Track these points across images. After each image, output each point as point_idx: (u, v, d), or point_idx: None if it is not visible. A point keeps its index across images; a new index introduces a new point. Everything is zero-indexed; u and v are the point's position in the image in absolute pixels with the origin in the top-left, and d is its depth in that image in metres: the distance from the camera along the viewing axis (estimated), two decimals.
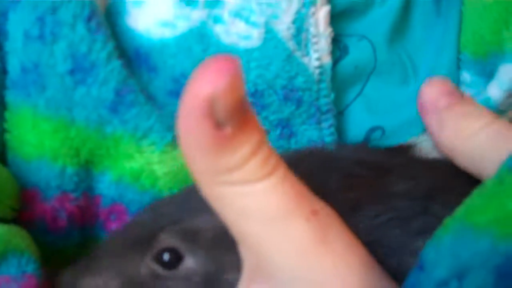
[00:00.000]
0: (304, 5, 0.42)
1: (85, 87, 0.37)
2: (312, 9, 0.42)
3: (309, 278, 0.25)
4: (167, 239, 0.31)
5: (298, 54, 0.41)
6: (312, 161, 0.33)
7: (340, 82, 0.44)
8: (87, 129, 0.38)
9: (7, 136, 0.38)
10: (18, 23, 0.37)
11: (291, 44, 0.41)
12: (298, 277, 0.26)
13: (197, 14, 0.40)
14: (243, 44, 0.40)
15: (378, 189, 0.30)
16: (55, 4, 0.37)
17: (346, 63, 0.44)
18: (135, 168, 0.39)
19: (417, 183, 0.30)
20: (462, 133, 0.30)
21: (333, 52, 0.43)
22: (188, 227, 0.31)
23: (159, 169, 0.39)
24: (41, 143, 0.37)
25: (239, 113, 0.23)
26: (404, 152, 0.34)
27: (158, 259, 0.31)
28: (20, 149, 0.37)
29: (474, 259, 0.23)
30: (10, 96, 0.37)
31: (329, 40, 0.43)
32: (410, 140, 0.35)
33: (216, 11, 0.40)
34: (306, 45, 0.42)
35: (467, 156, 0.30)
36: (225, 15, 0.40)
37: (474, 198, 0.25)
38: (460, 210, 0.26)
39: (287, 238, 0.25)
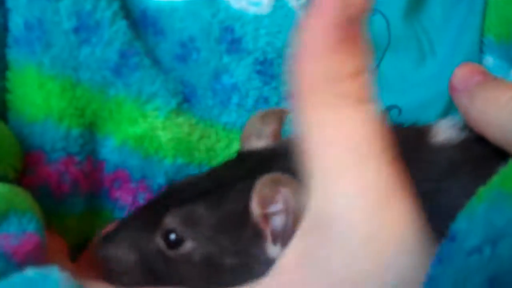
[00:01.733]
0: None
1: (90, 47, 0.36)
2: None
3: (365, 230, 0.25)
4: (170, 222, 0.32)
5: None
6: None
7: None
8: (91, 89, 0.37)
9: (9, 96, 0.37)
10: None
11: (301, 14, 0.40)
12: (354, 228, 0.25)
13: None
14: (252, 10, 0.39)
15: None
16: None
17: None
18: (138, 133, 0.38)
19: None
20: (492, 104, 0.30)
21: None
22: (190, 211, 0.32)
23: (163, 135, 0.38)
24: (47, 103, 0.36)
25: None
26: (420, 135, 0.33)
27: (164, 238, 0.32)
28: (24, 109, 0.36)
29: (509, 224, 0.23)
30: (13, 54, 0.36)
31: None
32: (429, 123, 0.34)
33: None
34: None
35: (497, 128, 0.30)
36: None
37: (510, 167, 0.25)
38: (495, 180, 0.25)
39: (363, 179, 0.25)
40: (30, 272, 0.25)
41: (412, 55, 0.44)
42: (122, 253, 0.33)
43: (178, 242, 0.32)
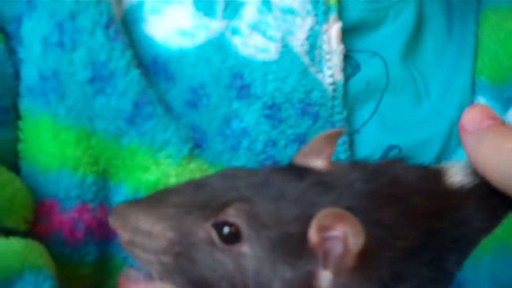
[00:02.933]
0: (317, 22, 0.42)
1: (105, 97, 0.36)
2: (325, 26, 0.42)
3: None
4: (234, 215, 0.31)
5: (312, 69, 0.42)
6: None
7: (352, 98, 0.44)
8: (105, 139, 0.37)
9: (21, 146, 0.37)
10: (35, 30, 0.36)
11: (306, 60, 0.41)
12: None
13: (216, 25, 0.40)
14: (261, 57, 0.40)
15: None
16: (73, 11, 0.36)
17: (358, 79, 0.45)
18: (151, 181, 0.38)
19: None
20: (499, 150, 0.31)
21: (344, 69, 0.44)
22: (257, 214, 0.31)
23: (175, 182, 0.38)
24: (62, 153, 0.36)
25: None
26: (436, 177, 0.34)
27: (219, 228, 0.31)
28: (37, 159, 0.36)
29: None
30: (26, 104, 0.36)
31: (341, 57, 0.44)
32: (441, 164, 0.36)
33: (234, 23, 0.40)
34: (320, 62, 0.42)
35: (503, 174, 0.31)
36: (243, 27, 0.40)
37: (511, 220, 0.26)
38: (497, 232, 0.26)
39: None
40: None
41: (409, 96, 0.46)
42: (159, 228, 0.32)
43: (235, 239, 0.30)
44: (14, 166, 0.36)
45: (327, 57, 0.43)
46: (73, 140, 0.36)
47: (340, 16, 0.43)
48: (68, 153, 0.36)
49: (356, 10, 0.44)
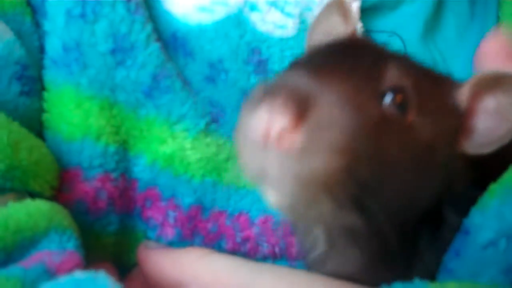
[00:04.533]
0: None
1: (125, 69, 0.37)
2: None
3: None
4: (397, 76, 0.27)
5: None
6: None
7: None
8: (125, 109, 0.38)
9: (46, 116, 0.38)
10: (59, 3, 0.37)
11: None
12: None
13: (234, 0, 0.40)
14: (278, 33, 0.41)
15: None
16: None
17: None
18: (167, 153, 0.39)
19: None
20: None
21: None
22: (417, 75, 0.28)
23: (192, 155, 0.39)
24: (85, 122, 0.37)
25: None
26: None
27: (392, 99, 0.26)
28: (61, 128, 0.37)
29: None
30: (50, 75, 0.37)
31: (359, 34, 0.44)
32: None
33: None
34: None
35: None
36: (261, 4, 0.41)
37: None
38: (506, 176, 0.27)
39: None
40: (79, 274, 0.26)
41: None
42: (332, 113, 0.24)
43: (405, 106, 0.26)
44: (39, 135, 0.37)
45: None
46: (95, 110, 0.37)
47: None
48: (91, 122, 0.37)
49: None
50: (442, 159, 0.28)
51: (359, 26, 0.43)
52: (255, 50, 0.40)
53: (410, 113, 0.27)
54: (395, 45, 0.45)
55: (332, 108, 0.24)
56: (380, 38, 0.46)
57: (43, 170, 0.35)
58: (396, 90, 0.27)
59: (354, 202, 0.24)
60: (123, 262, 0.40)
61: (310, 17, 0.42)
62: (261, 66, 0.40)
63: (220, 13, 0.40)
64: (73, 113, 0.37)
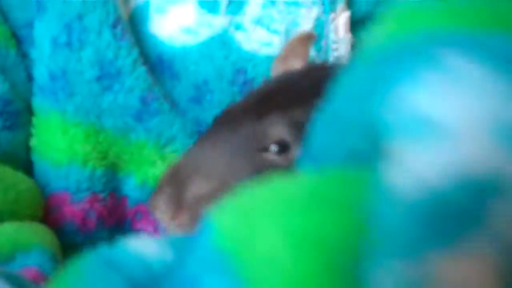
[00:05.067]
0: (324, 11, 0.42)
1: (112, 94, 0.38)
2: (332, 15, 0.42)
3: None
4: (276, 133, 0.32)
5: (317, 60, 0.42)
6: None
7: None
8: (113, 134, 0.39)
9: (34, 142, 0.39)
10: (45, 31, 0.37)
11: (311, 51, 0.42)
12: None
13: (219, 21, 0.41)
14: (264, 51, 0.41)
15: None
16: (81, 11, 0.37)
17: None
18: (157, 174, 0.40)
19: None
20: None
21: None
22: (296, 118, 0.32)
23: None
24: (71, 148, 0.38)
25: None
26: None
27: (267, 149, 0.31)
28: (48, 154, 0.38)
29: None
30: (38, 102, 0.38)
31: (348, 46, 0.44)
32: None
33: (237, 18, 0.41)
34: (326, 51, 0.43)
35: None
36: (246, 23, 0.41)
37: None
38: None
39: None
40: None
41: None
42: (215, 187, 0.31)
43: (285, 149, 0.31)
44: (26, 161, 0.38)
45: (334, 46, 0.43)
46: (81, 136, 0.38)
47: (348, 8, 0.43)
48: (77, 148, 0.38)
49: (363, 3, 0.44)
50: None
51: (348, 37, 0.44)
52: (240, 71, 0.41)
53: (291, 153, 0.31)
54: None
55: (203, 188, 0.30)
56: None
57: (22, 206, 0.35)
58: (278, 142, 0.31)
59: None
60: None
61: (297, 32, 0.42)
62: (246, 85, 0.41)
63: (204, 34, 0.40)
64: (59, 139, 0.38)
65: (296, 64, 0.36)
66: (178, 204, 0.31)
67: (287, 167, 0.31)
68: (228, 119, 0.34)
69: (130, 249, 0.24)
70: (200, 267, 0.20)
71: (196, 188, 0.31)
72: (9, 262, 0.31)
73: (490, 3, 0.22)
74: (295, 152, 0.32)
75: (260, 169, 0.31)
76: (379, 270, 0.17)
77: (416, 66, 0.19)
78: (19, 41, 0.39)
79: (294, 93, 0.33)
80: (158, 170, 0.40)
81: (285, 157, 0.32)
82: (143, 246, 0.24)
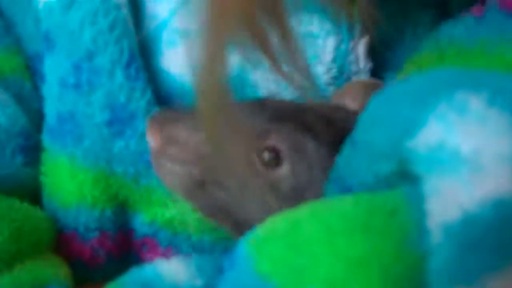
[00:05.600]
0: (342, 40, 0.40)
1: (123, 140, 0.36)
2: (351, 44, 0.40)
3: None
4: (276, 140, 0.32)
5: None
6: None
7: None
8: (124, 179, 0.38)
9: (43, 179, 0.38)
10: (54, 70, 0.36)
11: (330, 91, 0.40)
12: None
13: (234, 59, 0.38)
14: (280, 96, 0.39)
15: None
16: (91, 50, 0.35)
17: None
18: (166, 215, 0.39)
19: None
20: None
21: None
22: (299, 140, 0.32)
23: (191, 216, 0.39)
24: (80, 192, 0.37)
25: None
26: None
27: (259, 154, 0.32)
28: (57, 194, 0.37)
29: None
30: (47, 142, 0.37)
31: (368, 76, 0.42)
32: None
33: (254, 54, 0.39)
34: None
35: None
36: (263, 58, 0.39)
37: None
38: None
39: None
40: None
41: None
42: (196, 139, 0.32)
43: (275, 163, 0.32)
44: (36, 198, 0.38)
45: (354, 78, 0.41)
46: (90, 181, 0.37)
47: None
48: (85, 192, 0.37)
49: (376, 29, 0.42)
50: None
51: (368, 66, 0.42)
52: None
53: (282, 169, 0.32)
54: None
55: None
56: (387, 75, 0.44)
57: (42, 246, 0.35)
58: (271, 150, 0.32)
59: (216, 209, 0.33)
60: None
61: (317, 66, 0.40)
62: None
63: None
64: (68, 183, 0.37)
65: (349, 103, 0.36)
66: (159, 129, 0.32)
67: (267, 184, 0.32)
68: (251, 106, 0.34)
69: (162, 273, 0.26)
70: None
71: (178, 130, 0.32)
72: None
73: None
74: (283, 173, 0.32)
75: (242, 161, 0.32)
76: None
77: (445, 108, 0.22)
78: (32, 72, 0.38)
79: (319, 123, 0.33)
80: (168, 212, 0.39)
81: (271, 171, 0.32)
82: (173, 270, 0.26)
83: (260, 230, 0.23)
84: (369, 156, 0.24)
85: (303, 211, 0.23)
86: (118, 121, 0.36)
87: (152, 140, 0.32)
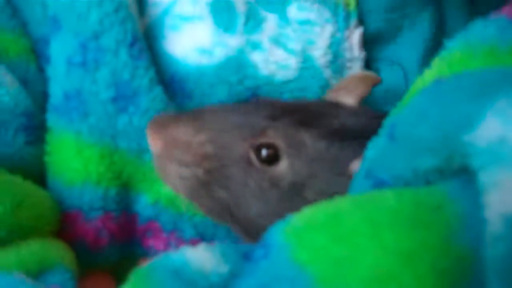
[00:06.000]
0: (338, 29, 0.42)
1: (127, 116, 0.37)
2: (347, 33, 0.42)
3: None
4: (273, 136, 0.33)
5: (333, 82, 0.42)
6: None
7: (370, 105, 0.44)
8: (128, 155, 0.38)
9: (48, 159, 0.38)
10: (60, 50, 0.37)
11: (327, 72, 0.41)
12: None
13: (235, 41, 0.40)
14: (280, 75, 0.41)
15: None
16: (97, 31, 0.36)
17: (377, 86, 0.45)
18: (170, 193, 0.40)
19: None
20: None
21: None
22: (296, 134, 0.33)
23: None
24: (85, 169, 0.37)
25: None
26: None
27: (257, 150, 0.33)
28: (62, 173, 0.38)
29: None
30: (52, 120, 0.38)
31: (362, 64, 0.43)
32: None
33: (255, 37, 0.40)
34: (341, 72, 0.42)
35: None
36: (265, 41, 0.40)
37: None
38: None
39: None
40: None
41: None
42: (198, 140, 0.33)
43: (273, 160, 0.32)
44: (40, 178, 0.38)
45: (348, 65, 0.43)
46: (96, 157, 0.37)
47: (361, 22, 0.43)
48: (91, 169, 0.37)
49: (372, 20, 0.44)
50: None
51: (362, 55, 0.43)
52: (255, 95, 0.40)
53: (280, 165, 0.32)
54: (396, 73, 0.45)
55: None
56: (381, 66, 0.45)
57: (43, 223, 0.36)
58: (268, 146, 0.32)
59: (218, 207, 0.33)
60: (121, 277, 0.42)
61: (314, 51, 0.41)
62: None
63: (219, 55, 0.40)
64: (74, 160, 0.37)
65: (347, 100, 0.37)
66: (161, 132, 0.33)
67: (267, 181, 0.32)
68: (249, 106, 0.35)
69: (190, 259, 0.26)
70: (275, 281, 0.22)
71: (180, 132, 0.33)
72: (35, 280, 0.31)
73: None
74: (282, 169, 0.32)
75: (239, 161, 0.32)
76: (503, 286, 0.19)
77: (504, 104, 0.22)
78: (37, 55, 0.39)
79: (315, 118, 0.34)
80: (170, 189, 0.39)
81: (270, 168, 0.32)
82: (200, 257, 0.26)
83: (297, 220, 0.23)
84: (411, 151, 0.24)
85: (344, 202, 0.23)
86: (122, 98, 0.37)
87: (154, 144, 0.33)
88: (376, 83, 0.40)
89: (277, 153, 0.32)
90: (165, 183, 0.35)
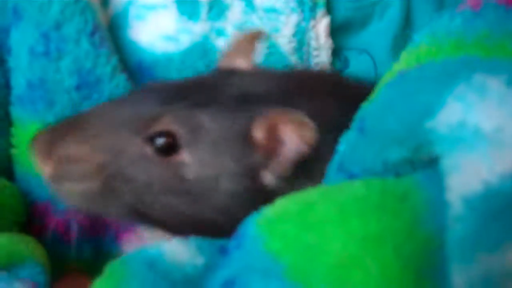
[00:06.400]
0: (304, 19, 0.42)
1: (91, 103, 0.37)
2: (312, 23, 0.43)
3: None
4: (169, 122, 0.29)
5: (300, 68, 0.42)
6: None
7: None
8: None
9: (14, 151, 0.38)
10: (22, 40, 0.37)
11: (293, 58, 0.42)
12: None
13: (200, 28, 0.40)
14: None
15: None
16: (58, 20, 0.37)
17: (346, 75, 0.45)
18: None
19: None
20: None
21: (334, 64, 0.44)
22: (194, 117, 0.30)
23: None
24: None
25: None
26: None
27: (151, 141, 0.29)
28: (29, 164, 0.37)
29: None
30: (16, 112, 0.38)
31: (329, 52, 0.44)
32: None
33: (219, 24, 0.41)
34: (308, 59, 0.43)
35: None
36: (229, 28, 0.41)
37: None
38: None
39: None
40: None
41: None
42: (87, 150, 0.30)
43: (172, 149, 0.29)
44: (8, 170, 0.38)
45: (315, 53, 0.43)
46: None
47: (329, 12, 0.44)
48: None
49: (342, 9, 0.44)
50: (231, 189, 0.29)
51: (329, 44, 0.44)
52: None
53: (181, 154, 0.29)
54: (365, 62, 0.46)
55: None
56: (351, 54, 0.46)
57: (6, 212, 0.35)
58: (164, 135, 0.29)
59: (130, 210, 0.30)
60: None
61: (279, 38, 0.42)
62: None
63: (185, 42, 0.40)
64: None
65: (241, 63, 0.36)
66: (48, 152, 0.30)
67: (170, 175, 0.30)
68: (138, 95, 0.32)
69: (165, 251, 0.26)
70: (248, 271, 0.22)
71: (67, 148, 0.30)
72: (11, 270, 0.30)
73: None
74: (184, 158, 0.30)
75: (135, 159, 0.30)
76: (461, 267, 0.19)
77: (464, 89, 0.22)
78: None
79: (211, 94, 0.31)
80: None
81: (170, 159, 0.29)
82: (175, 250, 0.26)
83: (269, 211, 0.23)
84: (380, 143, 0.25)
85: (314, 193, 0.23)
86: (85, 86, 0.37)
87: (44, 167, 0.31)
88: (260, 37, 0.38)
89: (175, 141, 0.29)
90: (67, 203, 0.32)
